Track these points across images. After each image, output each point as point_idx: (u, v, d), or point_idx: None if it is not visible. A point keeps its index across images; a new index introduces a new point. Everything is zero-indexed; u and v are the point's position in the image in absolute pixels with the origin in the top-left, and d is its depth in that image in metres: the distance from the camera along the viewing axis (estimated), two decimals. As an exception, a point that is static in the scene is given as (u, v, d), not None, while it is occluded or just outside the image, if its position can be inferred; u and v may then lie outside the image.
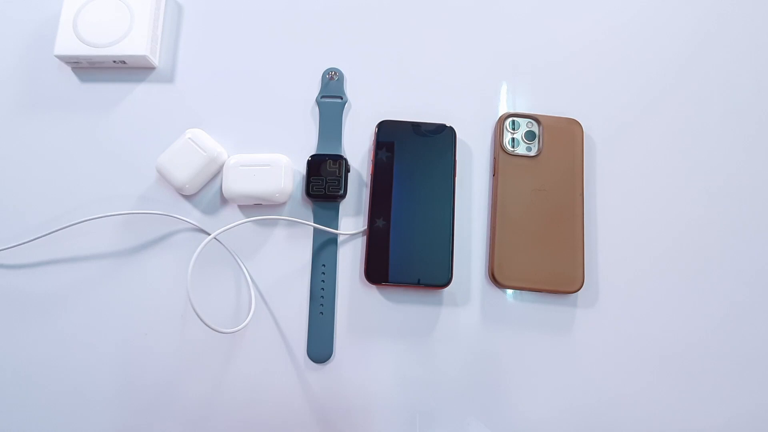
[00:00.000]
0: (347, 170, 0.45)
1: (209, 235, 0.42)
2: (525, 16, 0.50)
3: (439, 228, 0.43)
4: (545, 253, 0.43)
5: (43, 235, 0.44)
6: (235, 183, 0.43)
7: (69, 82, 0.48)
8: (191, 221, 0.45)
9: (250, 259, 0.44)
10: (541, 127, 0.46)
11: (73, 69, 0.49)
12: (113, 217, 0.45)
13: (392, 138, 0.45)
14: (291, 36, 0.49)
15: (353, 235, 0.45)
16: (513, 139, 0.46)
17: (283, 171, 0.44)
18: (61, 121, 0.47)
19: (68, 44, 0.46)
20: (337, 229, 0.45)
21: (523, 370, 0.43)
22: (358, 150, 0.47)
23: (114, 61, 0.47)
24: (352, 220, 0.45)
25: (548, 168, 0.45)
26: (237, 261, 0.44)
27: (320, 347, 0.43)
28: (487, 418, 0.42)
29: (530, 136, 0.46)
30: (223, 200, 0.46)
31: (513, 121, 0.46)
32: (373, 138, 0.46)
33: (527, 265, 0.43)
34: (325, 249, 0.44)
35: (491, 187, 0.46)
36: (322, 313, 0.43)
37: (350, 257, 0.45)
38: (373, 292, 0.44)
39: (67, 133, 0.47)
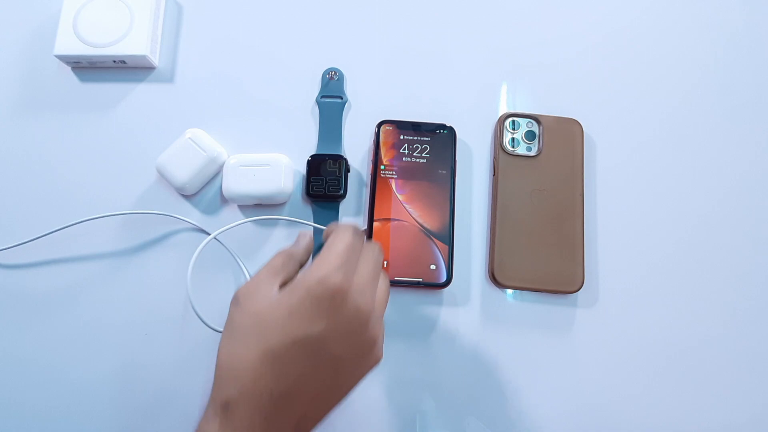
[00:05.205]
0: (347, 170, 0.45)
1: (209, 235, 0.42)
2: (525, 16, 0.50)
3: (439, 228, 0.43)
4: (545, 253, 0.43)
5: (43, 235, 0.44)
6: (235, 183, 0.43)
7: (69, 82, 0.48)
8: (191, 221, 0.45)
9: (250, 259, 0.44)
10: (541, 127, 0.46)
11: (73, 69, 0.49)
12: (113, 217, 0.45)
13: (392, 138, 0.45)
14: (291, 36, 0.49)
15: (353, 235, 0.45)
16: (513, 139, 0.46)
17: (283, 171, 0.44)
18: (61, 121, 0.47)
19: (68, 44, 0.46)
20: (337, 229, 0.45)
21: (523, 370, 0.43)
22: (358, 150, 0.47)
23: (114, 61, 0.47)
24: (352, 220, 0.45)
25: (548, 168, 0.45)
26: (237, 261, 0.44)
27: (320, 347, 0.43)
28: (487, 418, 0.42)
29: (530, 136, 0.46)
30: (223, 200, 0.46)
31: (513, 121, 0.46)
32: (373, 138, 0.46)
33: (527, 265, 0.43)
34: (325, 249, 0.44)
35: (491, 187, 0.46)
36: (322, 313, 0.43)
37: (350, 257, 0.45)
38: (373, 292, 0.44)
39: (67, 133, 0.47)
